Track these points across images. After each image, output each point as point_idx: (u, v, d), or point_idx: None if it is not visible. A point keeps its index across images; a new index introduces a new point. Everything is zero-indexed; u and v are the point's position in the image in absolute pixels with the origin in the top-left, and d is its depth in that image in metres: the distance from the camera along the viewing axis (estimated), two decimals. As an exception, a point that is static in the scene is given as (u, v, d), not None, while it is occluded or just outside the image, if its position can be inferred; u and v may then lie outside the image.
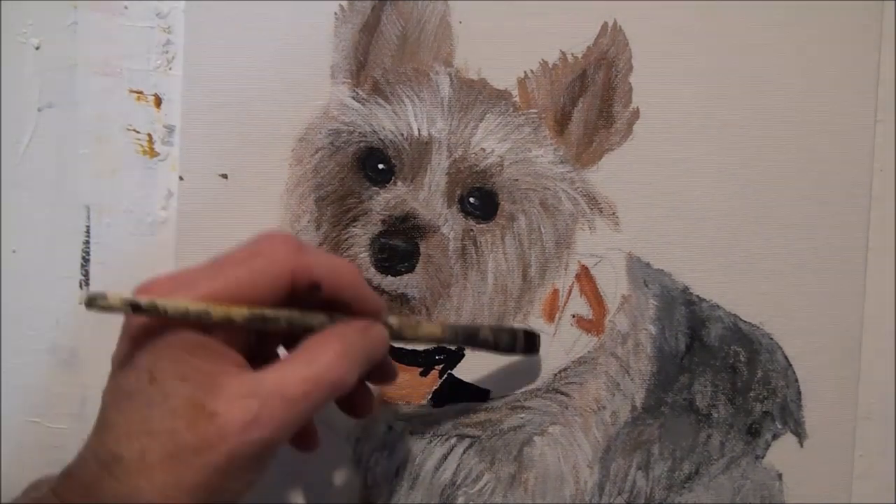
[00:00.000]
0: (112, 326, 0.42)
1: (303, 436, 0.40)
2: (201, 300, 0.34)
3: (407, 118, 0.46)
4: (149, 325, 0.34)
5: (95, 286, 0.46)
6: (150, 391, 0.33)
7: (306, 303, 0.37)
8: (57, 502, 0.33)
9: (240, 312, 0.35)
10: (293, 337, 0.37)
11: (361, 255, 0.45)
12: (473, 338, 0.43)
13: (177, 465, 0.32)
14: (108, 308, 0.33)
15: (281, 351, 0.40)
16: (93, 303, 0.33)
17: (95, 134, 0.45)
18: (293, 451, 0.43)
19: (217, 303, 0.34)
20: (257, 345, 0.38)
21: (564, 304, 0.47)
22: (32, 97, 0.45)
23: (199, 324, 0.34)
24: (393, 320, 0.39)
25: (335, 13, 0.46)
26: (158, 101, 0.46)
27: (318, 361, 0.34)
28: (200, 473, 0.32)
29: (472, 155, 0.46)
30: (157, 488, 0.32)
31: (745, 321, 0.48)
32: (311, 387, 0.34)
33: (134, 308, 0.33)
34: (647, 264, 0.48)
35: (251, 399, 0.33)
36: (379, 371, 0.40)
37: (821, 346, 0.49)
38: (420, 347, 0.47)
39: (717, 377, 0.48)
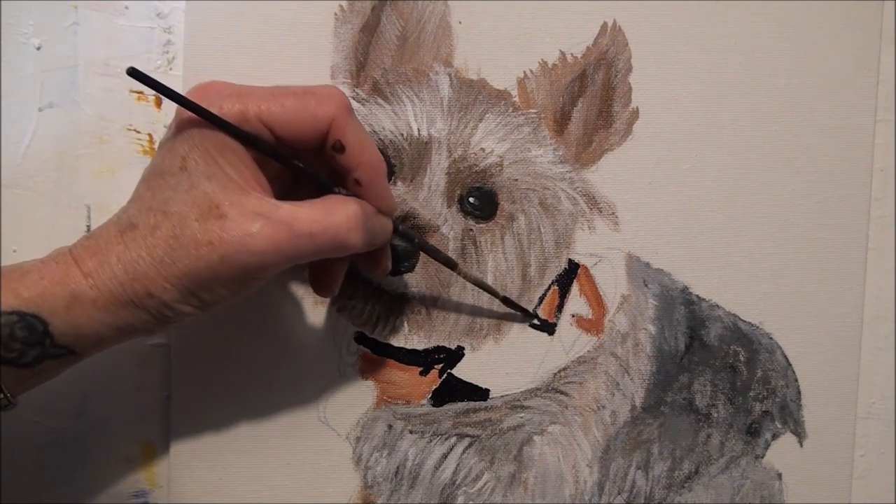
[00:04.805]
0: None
1: (373, 259, 0.42)
2: (244, 113, 0.36)
3: (407, 118, 0.46)
4: (193, 118, 0.36)
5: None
6: (179, 176, 0.36)
7: (327, 164, 0.39)
8: (69, 259, 0.35)
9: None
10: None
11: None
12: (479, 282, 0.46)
13: (177, 248, 0.35)
14: (143, 80, 0.35)
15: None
16: (134, 73, 0.35)
17: (96, 134, 0.45)
18: (292, 451, 0.43)
19: (258, 123, 0.36)
20: (289, 192, 0.40)
21: (564, 304, 0.47)
22: (33, 97, 0.45)
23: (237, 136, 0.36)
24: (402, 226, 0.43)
25: (335, 13, 0.46)
26: (159, 102, 0.46)
27: (334, 213, 0.37)
28: (194, 263, 0.35)
29: (472, 155, 0.46)
30: (155, 262, 0.35)
31: (744, 321, 0.48)
32: (318, 230, 0.36)
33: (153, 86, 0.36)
34: (647, 264, 0.48)
35: (260, 217, 0.35)
36: (373, 258, 0.42)
37: (821, 346, 0.49)
38: (420, 348, 0.47)
39: (716, 377, 0.48)
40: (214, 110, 0.36)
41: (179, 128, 0.36)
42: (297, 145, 0.38)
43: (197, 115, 0.36)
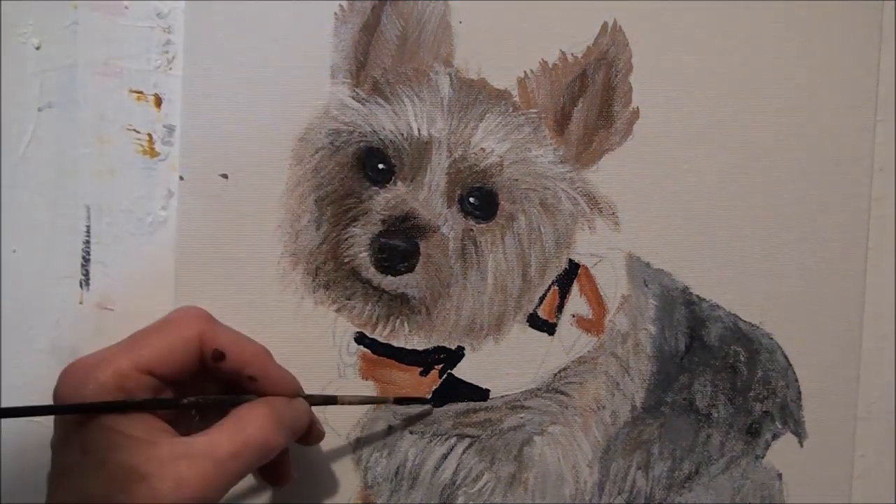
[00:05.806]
0: (112, 326, 0.42)
1: (275, 471, 0.42)
2: (120, 373, 0.36)
3: (407, 118, 0.46)
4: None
5: (95, 286, 0.46)
6: (83, 462, 0.35)
7: (216, 375, 0.39)
8: None
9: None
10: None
11: (361, 255, 0.45)
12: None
13: None
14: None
15: None
16: None
17: (95, 134, 0.45)
18: (292, 451, 0.43)
19: (136, 374, 0.36)
20: (177, 414, 0.40)
21: (564, 304, 0.47)
22: (32, 97, 0.45)
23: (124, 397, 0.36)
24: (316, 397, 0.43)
25: (335, 13, 0.46)
26: (158, 101, 0.46)
27: (248, 425, 0.37)
28: None
29: (472, 155, 0.46)
30: None
31: (745, 321, 0.48)
32: (240, 447, 0.36)
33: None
34: (647, 264, 0.48)
35: (181, 460, 0.34)
36: (274, 470, 0.42)
37: (821, 346, 0.49)
38: (420, 348, 0.47)
39: (716, 377, 0.48)
40: (91, 387, 0.35)
41: (66, 422, 0.36)
42: (181, 376, 0.38)
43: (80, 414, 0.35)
